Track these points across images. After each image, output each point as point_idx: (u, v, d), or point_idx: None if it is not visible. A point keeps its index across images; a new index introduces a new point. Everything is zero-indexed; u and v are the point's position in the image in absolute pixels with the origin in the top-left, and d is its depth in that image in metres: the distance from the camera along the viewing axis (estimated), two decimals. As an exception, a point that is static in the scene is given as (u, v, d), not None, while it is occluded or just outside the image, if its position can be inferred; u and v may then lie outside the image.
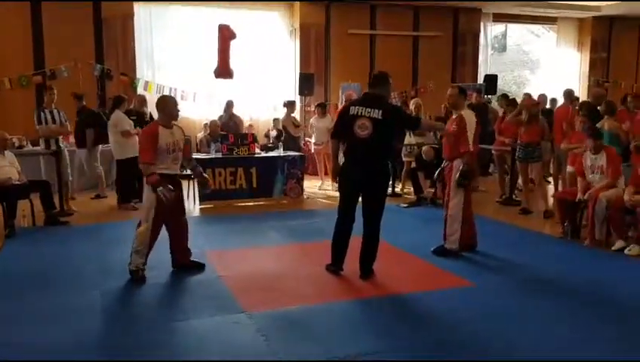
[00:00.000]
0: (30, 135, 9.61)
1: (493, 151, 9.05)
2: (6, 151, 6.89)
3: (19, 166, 6.95)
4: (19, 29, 10.31)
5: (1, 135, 6.83)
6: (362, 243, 4.90)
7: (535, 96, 10.31)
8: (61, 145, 7.74)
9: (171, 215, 4.96)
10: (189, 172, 5.70)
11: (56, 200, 7.26)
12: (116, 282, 4.76)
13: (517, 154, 7.88)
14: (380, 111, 4.70)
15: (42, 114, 7.41)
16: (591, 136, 6.15)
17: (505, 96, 10.28)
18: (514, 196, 8.56)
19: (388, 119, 4.71)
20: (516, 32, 17.18)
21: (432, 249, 5.67)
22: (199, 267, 5.19)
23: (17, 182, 6.70)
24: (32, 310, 4.20)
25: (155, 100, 5.11)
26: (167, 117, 4.91)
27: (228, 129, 9.56)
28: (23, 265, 5.40)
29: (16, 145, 8.83)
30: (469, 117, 5.45)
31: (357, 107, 4.77)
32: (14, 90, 10.24)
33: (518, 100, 9.10)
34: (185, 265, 5.14)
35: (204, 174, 5.43)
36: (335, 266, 5.01)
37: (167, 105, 4.94)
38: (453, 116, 5.63)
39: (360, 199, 4.90)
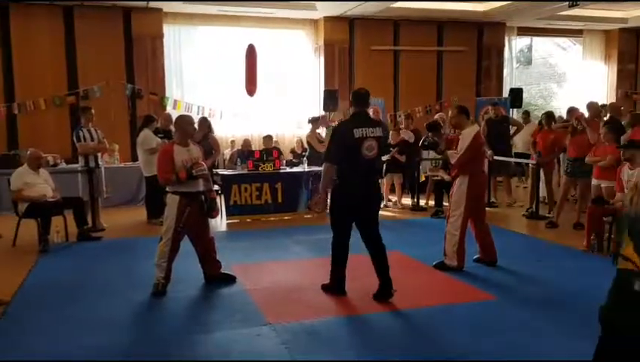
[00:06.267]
0: (64, 153, 9.94)
1: (530, 165, 8.99)
2: (41, 169, 7.14)
3: (53, 183, 7.19)
4: (53, 50, 10.67)
5: (36, 154, 7.11)
6: (378, 261, 4.76)
7: (563, 110, 10.26)
8: (100, 162, 8.00)
9: (195, 231, 5.10)
10: (216, 187, 5.78)
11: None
12: (144, 295, 4.90)
13: (566, 168, 7.81)
14: (380, 129, 4.78)
15: (81, 132, 7.69)
16: (622, 148, 6.10)
17: (527, 112, 10.35)
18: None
19: (385, 135, 4.81)
20: (542, 45, 17.07)
21: (433, 264, 5.72)
22: (230, 279, 5.29)
23: (51, 199, 6.94)
24: (65, 321, 4.36)
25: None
26: (182, 135, 5.06)
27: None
28: (56, 278, 5.60)
29: (51, 163, 9.14)
30: (466, 136, 5.52)
31: (360, 129, 4.60)
32: (49, 110, 10.58)
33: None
34: (215, 278, 5.26)
35: (217, 201, 5.38)
36: (342, 290, 4.90)
37: (182, 123, 5.11)
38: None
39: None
